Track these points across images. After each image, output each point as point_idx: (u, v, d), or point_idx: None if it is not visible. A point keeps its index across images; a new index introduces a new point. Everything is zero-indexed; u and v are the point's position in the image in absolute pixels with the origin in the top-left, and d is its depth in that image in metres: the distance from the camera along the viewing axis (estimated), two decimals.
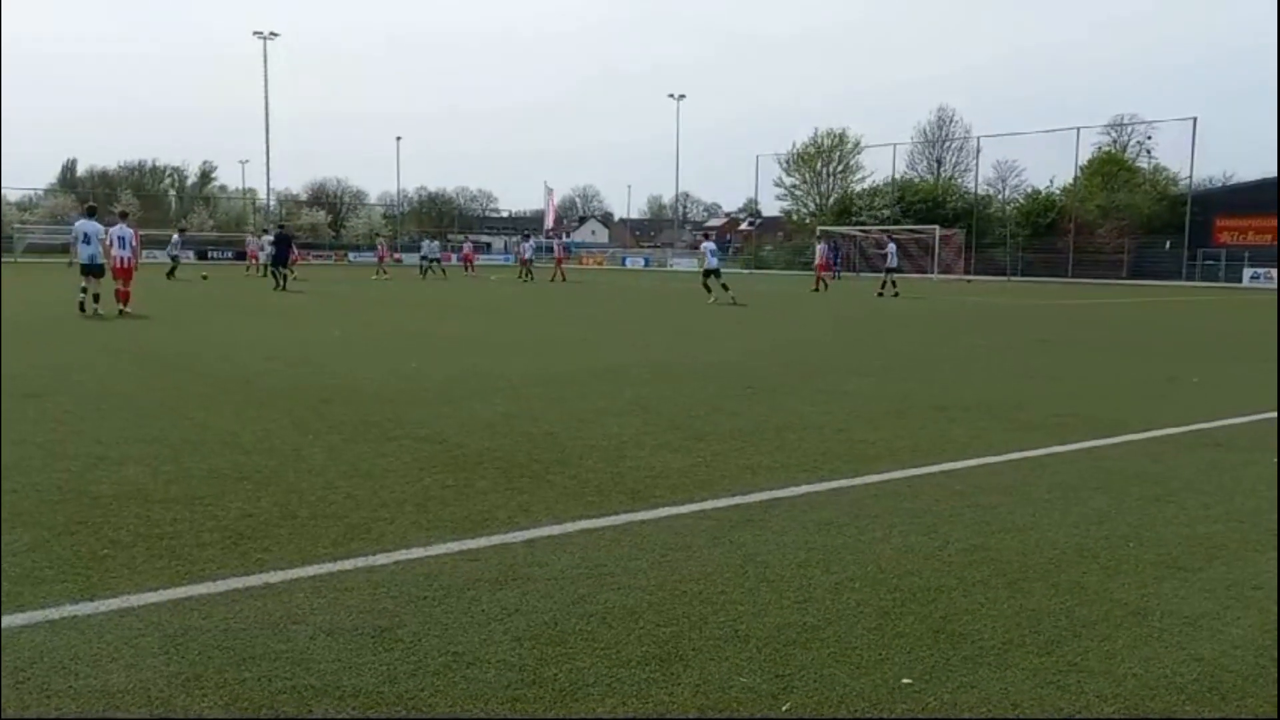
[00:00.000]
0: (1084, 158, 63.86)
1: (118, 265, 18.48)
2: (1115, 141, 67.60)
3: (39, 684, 3.02)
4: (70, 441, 6.48)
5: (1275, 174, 55.79)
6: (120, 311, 17.84)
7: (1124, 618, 3.72)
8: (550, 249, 42.05)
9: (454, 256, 49.62)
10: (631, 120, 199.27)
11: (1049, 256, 60.13)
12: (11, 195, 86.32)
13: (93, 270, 18.01)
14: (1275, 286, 47.13)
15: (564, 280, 38.90)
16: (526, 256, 40.41)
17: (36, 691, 2.97)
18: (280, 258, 29.63)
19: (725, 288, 26.34)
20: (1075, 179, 63.05)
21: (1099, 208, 60.22)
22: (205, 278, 35.47)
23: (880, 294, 31.46)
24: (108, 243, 18.43)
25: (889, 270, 32.94)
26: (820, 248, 37.16)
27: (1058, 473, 6.03)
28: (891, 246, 33.69)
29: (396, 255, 44.55)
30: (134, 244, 18.89)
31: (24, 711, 2.87)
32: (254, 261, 39.48)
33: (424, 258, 46.42)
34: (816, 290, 33.82)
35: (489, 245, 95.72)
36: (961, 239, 58.83)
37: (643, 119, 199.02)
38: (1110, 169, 62.73)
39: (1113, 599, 3.91)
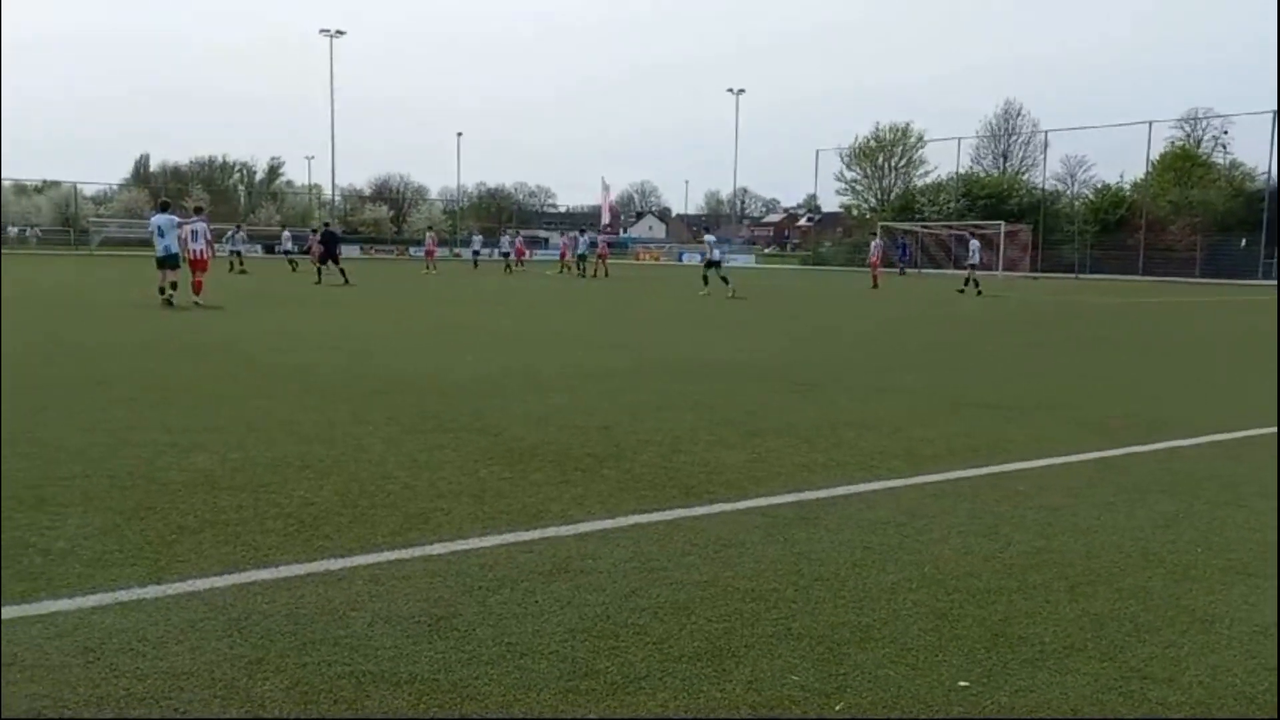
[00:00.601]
0: (1156, 152, 62.42)
1: (194, 258, 19.33)
2: (1189, 136, 65.89)
3: (108, 664, 3.12)
4: (139, 429, 6.65)
5: None
6: (195, 303, 18.42)
7: (1190, 624, 3.64)
8: (595, 244, 40.83)
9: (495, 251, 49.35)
10: (690, 114, 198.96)
11: (1118, 253, 58.77)
12: (87, 190, 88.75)
13: (167, 262, 18.74)
14: None
15: (606, 275, 38.37)
16: (579, 251, 39.33)
17: (106, 671, 3.07)
18: (330, 254, 30.20)
19: (725, 280, 26.40)
20: (1147, 174, 61.58)
21: (1171, 204, 58.73)
22: (244, 272, 35.32)
23: (962, 290, 30.50)
24: (183, 236, 19.24)
25: (972, 267, 31.90)
26: (875, 244, 36.47)
27: (1123, 475, 5.91)
28: (975, 243, 32.47)
29: (455, 251, 44.77)
30: (207, 237, 19.85)
31: (97, 694, 2.96)
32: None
33: (475, 252, 47.13)
34: (876, 287, 33.27)
35: (546, 240, 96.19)
36: (1028, 235, 57.77)
37: (702, 113, 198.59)
38: (1183, 164, 61.16)
39: (1179, 604, 3.83)
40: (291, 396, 8.19)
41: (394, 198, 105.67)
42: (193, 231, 19.45)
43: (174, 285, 18.56)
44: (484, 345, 12.74)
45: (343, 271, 29.28)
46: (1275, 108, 55.36)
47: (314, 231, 32.02)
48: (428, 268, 40.78)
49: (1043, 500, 5.28)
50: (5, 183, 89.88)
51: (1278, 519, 5.05)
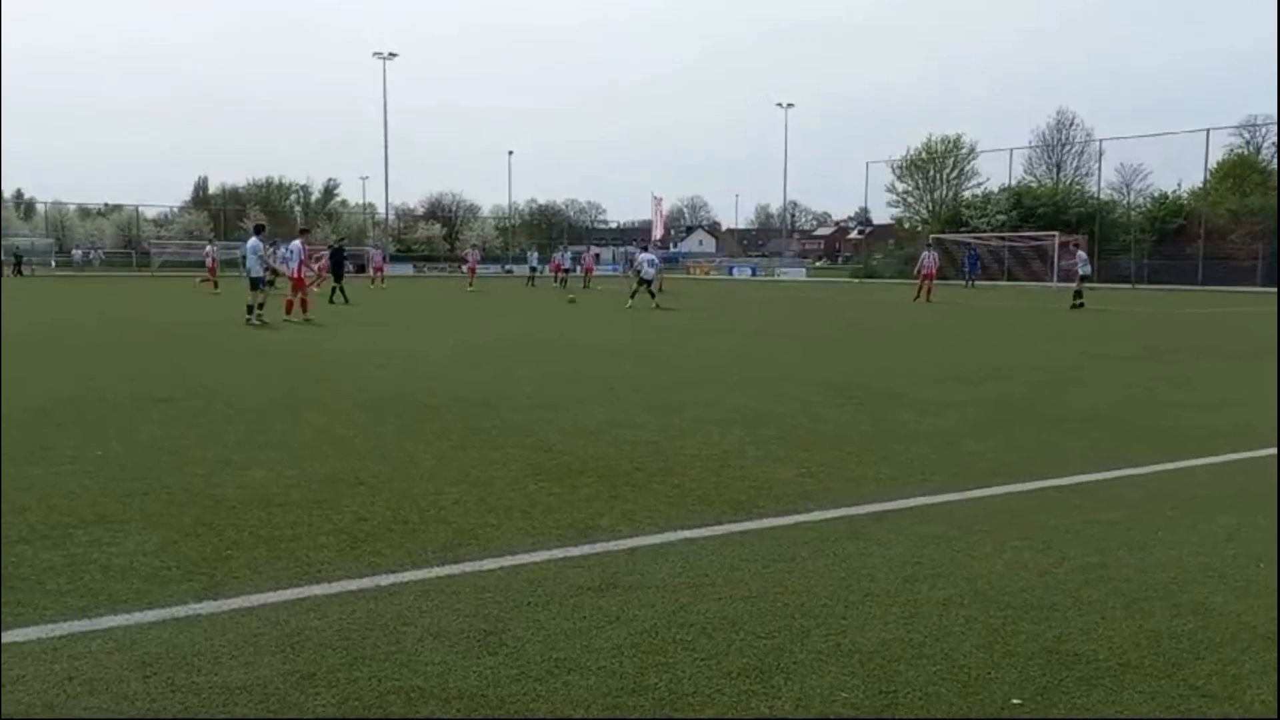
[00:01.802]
0: (1214, 160, 61.15)
1: (293, 276, 20.73)
2: (1248, 143, 64.53)
3: (165, 679, 3.17)
4: (198, 446, 6.78)
5: None
6: (284, 320, 19.49)
7: (1251, 641, 3.54)
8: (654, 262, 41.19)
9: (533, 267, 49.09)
10: (740, 130, 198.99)
11: (1176, 263, 57.55)
12: (149, 212, 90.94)
13: (252, 283, 19.82)
14: None
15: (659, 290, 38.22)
16: (640, 269, 38.47)
17: (163, 686, 3.12)
18: (336, 273, 29.77)
19: (652, 294, 27.33)
20: (1205, 182, 60.35)
21: (1230, 212, 57.48)
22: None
23: (1077, 304, 28.41)
24: (272, 258, 21.14)
25: (1083, 279, 30.13)
26: (925, 256, 35.54)
27: (1183, 488, 5.78)
28: (1082, 254, 30.83)
29: (506, 268, 44.78)
30: (302, 257, 21.06)
31: (154, 708, 3.02)
32: (210, 276, 35.32)
33: (532, 269, 47.32)
34: (918, 299, 32.74)
35: (598, 256, 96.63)
36: (1084, 245, 56.86)
37: (750, 129, 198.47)
38: (1242, 171, 59.83)
39: (1240, 621, 3.73)
40: (345, 413, 8.30)
41: (446, 216, 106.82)
42: (289, 251, 21.14)
43: (260, 305, 19.35)
44: (530, 359, 12.81)
45: (342, 290, 28.66)
46: (1276, 112, 54.57)
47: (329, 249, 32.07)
48: (470, 285, 40.92)
49: (1098, 514, 5.18)
50: (70, 206, 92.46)
51: (1278, 527, 4.92)
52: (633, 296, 27.63)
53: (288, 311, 19.93)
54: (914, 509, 5.29)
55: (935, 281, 34.85)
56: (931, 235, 59.42)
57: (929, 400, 9.33)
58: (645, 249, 32.31)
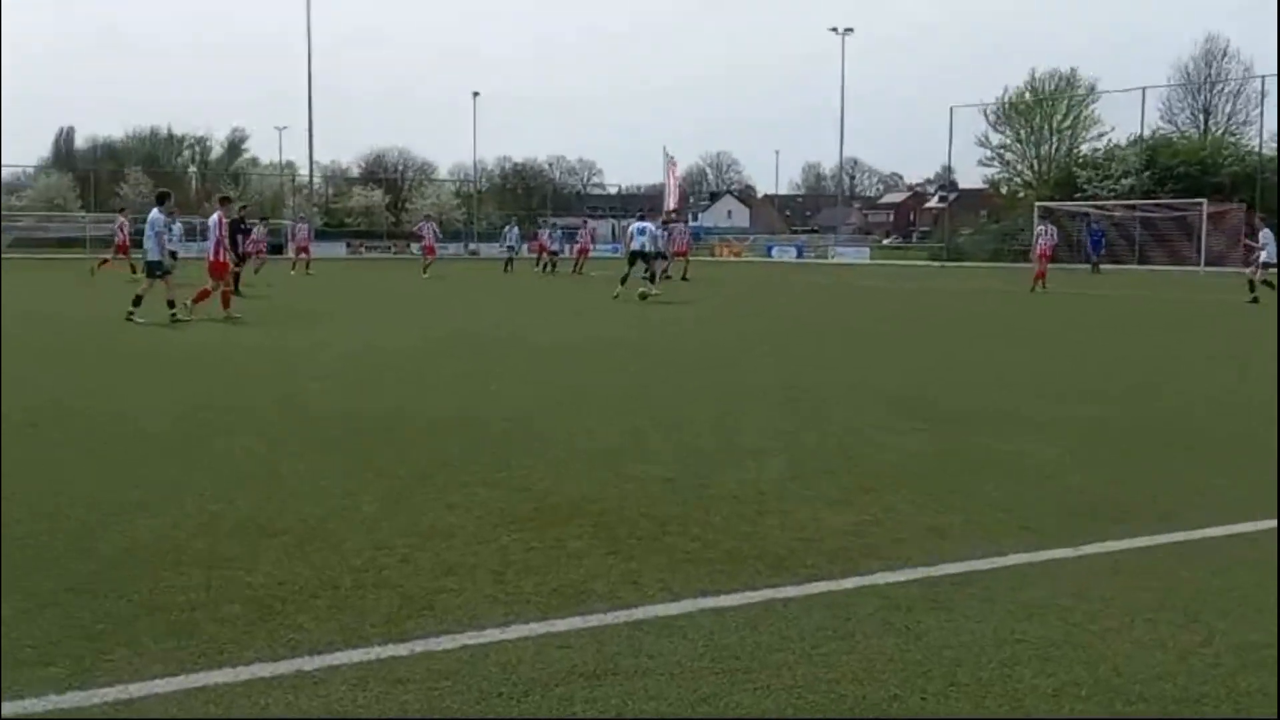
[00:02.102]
0: None
1: (211, 260, 20.53)
2: None
3: None
4: (69, 485, 6.80)
5: None
6: (189, 313, 19.42)
7: None
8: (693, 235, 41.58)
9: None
10: (781, 68, 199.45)
11: None
12: None
13: (148, 269, 20.02)
14: None
15: (684, 278, 38.45)
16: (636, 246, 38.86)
17: None
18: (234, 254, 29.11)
19: (651, 278, 27.16)
20: None
21: None
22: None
23: (1254, 299, 27.77)
24: (169, 236, 20.87)
25: (1264, 266, 29.28)
26: (1041, 230, 35.33)
27: None
28: (1267, 231, 30.44)
29: (471, 247, 44.08)
30: (219, 235, 20.64)
31: None
32: (122, 253, 35.88)
33: (510, 248, 47.08)
34: (1036, 288, 32.60)
35: (595, 232, 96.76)
36: (1239, 217, 56.70)
37: (795, 66, 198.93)
38: None
39: None
40: (267, 438, 8.34)
41: (390, 178, 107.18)
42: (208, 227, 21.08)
43: (171, 303, 19.38)
44: (511, 368, 12.84)
45: (235, 279, 28.14)
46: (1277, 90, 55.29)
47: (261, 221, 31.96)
48: (425, 270, 40.43)
49: (1259, 576, 5.17)
50: None
51: (1277, 543, 4.92)
52: (623, 282, 27.36)
53: (197, 300, 19.85)
54: (1011, 568, 5.29)
55: (1050, 264, 34.45)
56: (1038, 202, 59.37)
57: (1031, 421, 9.33)
58: (642, 217, 31.93)
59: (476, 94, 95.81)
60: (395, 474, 7.16)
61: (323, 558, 5.34)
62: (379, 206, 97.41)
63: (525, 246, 50.39)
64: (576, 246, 48.09)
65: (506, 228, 50.71)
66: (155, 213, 20.26)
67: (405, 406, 10.05)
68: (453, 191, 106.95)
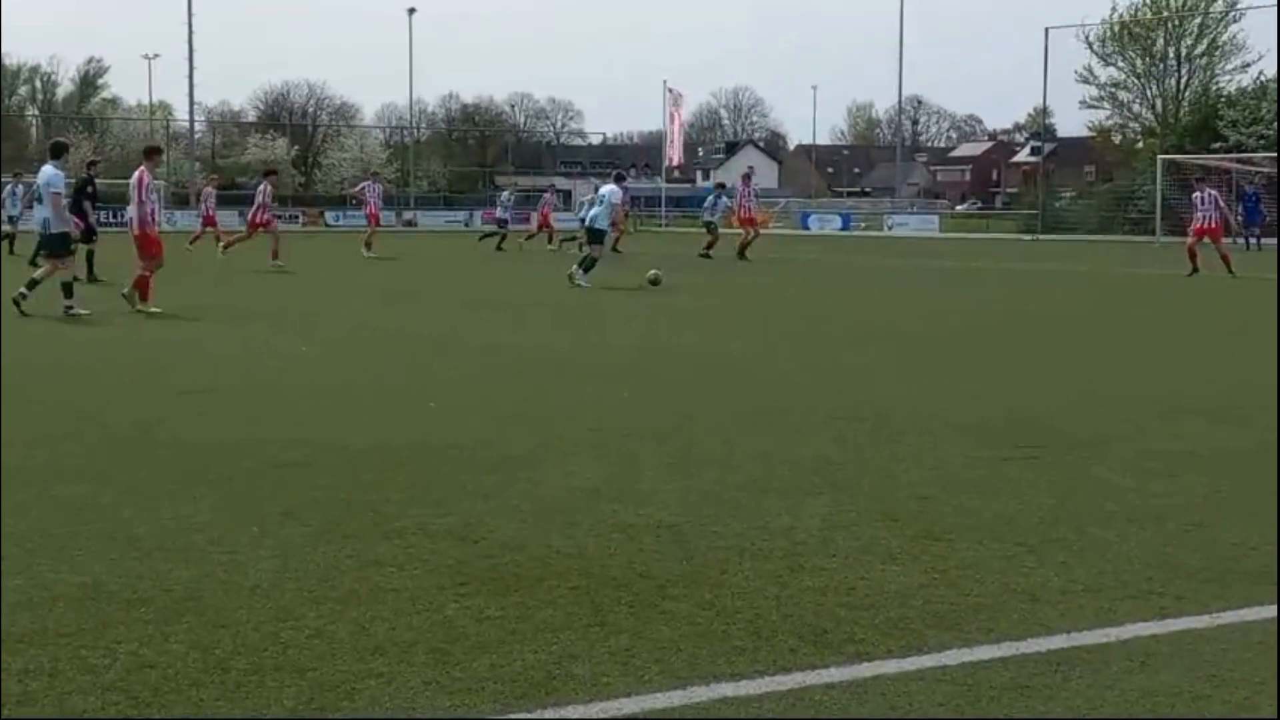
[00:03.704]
0: None
1: (137, 234, 20.34)
2: None
3: None
4: None
5: None
6: (137, 305, 19.71)
7: None
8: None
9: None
10: None
11: None
12: None
13: (46, 243, 20.24)
14: None
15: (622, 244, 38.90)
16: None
17: None
18: (85, 228, 28.17)
19: (586, 260, 27.16)
20: None
21: None
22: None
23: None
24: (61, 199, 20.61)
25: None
26: (1203, 195, 34.00)
27: None
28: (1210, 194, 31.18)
29: (407, 217, 43.56)
30: (140, 196, 20.33)
31: None
32: (209, 226, 40.34)
33: (501, 222, 47.14)
34: (1195, 272, 31.98)
35: (566, 195, 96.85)
36: None
37: None
38: None
39: None
40: (125, 475, 8.31)
41: (298, 125, 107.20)
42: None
43: (70, 283, 19.49)
44: (460, 377, 12.81)
45: (90, 258, 27.60)
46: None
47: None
48: (367, 245, 40.36)
49: None
50: None
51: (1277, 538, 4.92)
52: (581, 266, 27.21)
53: (140, 287, 19.99)
54: (1130, 643, 5.27)
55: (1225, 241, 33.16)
56: (1161, 155, 59.25)
57: (1155, 452, 9.33)
58: (622, 178, 31.94)
59: (413, 11, 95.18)
60: (302, 521, 7.13)
61: (204, 634, 5.30)
62: (283, 161, 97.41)
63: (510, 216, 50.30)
64: (538, 214, 48.18)
65: (506, 194, 50.74)
66: (50, 169, 20.18)
67: (317, 430, 10.04)
68: (381, 142, 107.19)
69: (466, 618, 5.51)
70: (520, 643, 5.22)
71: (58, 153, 21.22)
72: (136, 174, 20.70)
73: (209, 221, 43.49)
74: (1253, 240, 49.79)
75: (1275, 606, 5.74)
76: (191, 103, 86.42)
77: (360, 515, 7.24)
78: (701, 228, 44.13)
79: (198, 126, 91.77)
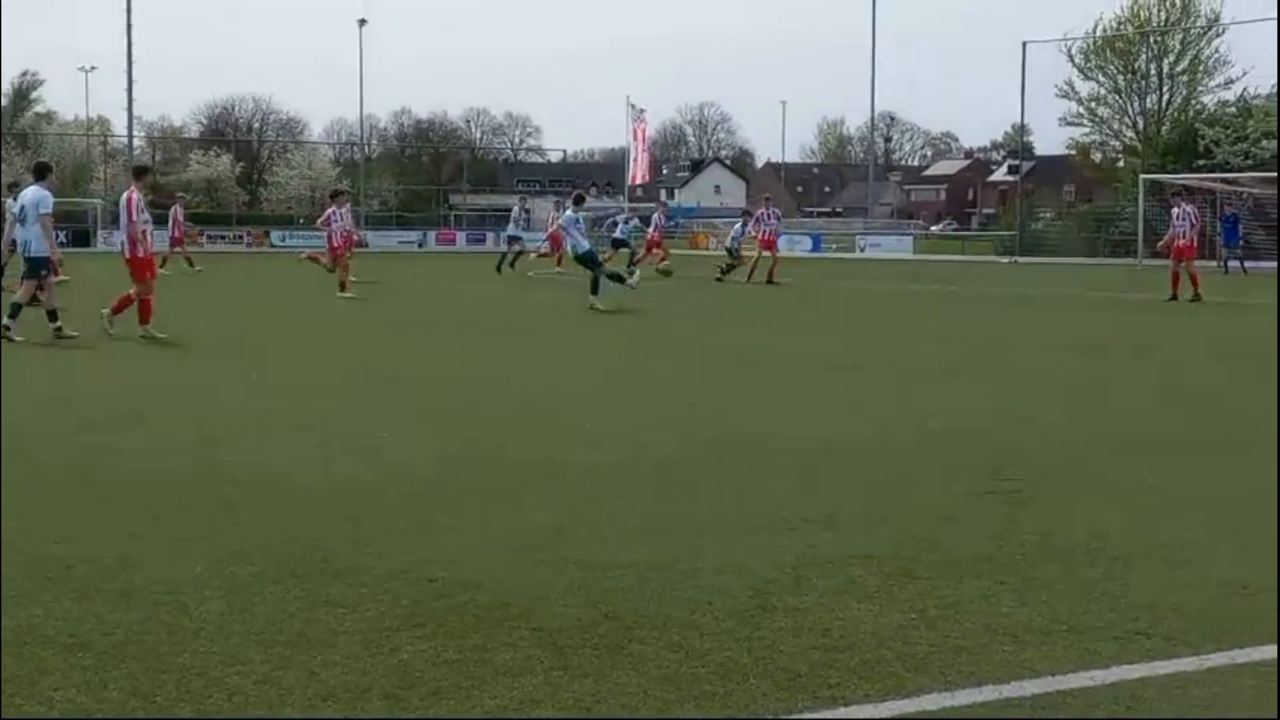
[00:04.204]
0: None
1: (129, 257, 20.43)
2: None
3: None
4: None
5: None
6: (109, 324, 19.91)
7: None
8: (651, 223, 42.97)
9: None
10: None
11: None
12: None
13: (31, 266, 20.28)
14: None
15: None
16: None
17: None
18: None
19: (601, 281, 27.30)
20: None
21: None
22: None
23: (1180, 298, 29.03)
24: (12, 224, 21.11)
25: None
26: (1181, 211, 33.97)
27: None
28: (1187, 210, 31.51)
29: (358, 236, 42.47)
30: (131, 218, 20.51)
31: None
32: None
33: (513, 238, 46.59)
34: (1175, 298, 32.04)
35: (528, 214, 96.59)
36: None
37: None
38: None
39: None
40: (56, 511, 8.27)
41: (242, 141, 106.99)
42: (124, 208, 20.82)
43: (53, 313, 19.63)
44: (414, 409, 12.78)
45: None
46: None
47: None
48: (331, 268, 39.29)
49: None
50: None
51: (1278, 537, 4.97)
52: (593, 290, 27.38)
53: (115, 311, 20.03)
54: (1117, 687, 5.29)
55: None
56: (1144, 175, 59.55)
57: (1142, 486, 9.37)
58: (581, 199, 31.89)
59: (363, 22, 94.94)
60: (248, 561, 7.09)
61: (145, 680, 5.27)
62: (226, 179, 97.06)
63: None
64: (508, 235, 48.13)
65: (516, 209, 50.32)
66: (37, 190, 20.40)
67: (264, 464, 10.02)
68: (331, 159, 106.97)
69: (423, 661, 5.50)
70: (479, 688, 5.21)
71: (42, 174, 21.19)
72: (125, 194, 21.08)
73: (177, 241, 43.53)
74: (1233, 263, 50.01)
75: (1270, 648, 5.77)
76: (131, 118, 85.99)
77: (310, 554, 7.21)
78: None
79: (137, 142, 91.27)
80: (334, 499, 8.69)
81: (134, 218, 20.38)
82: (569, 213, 29.59)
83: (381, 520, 8.05)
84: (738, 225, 45.72)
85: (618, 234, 45.00)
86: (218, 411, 12.76)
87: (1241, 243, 51.77)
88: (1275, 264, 51.70)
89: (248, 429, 11.70)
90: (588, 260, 28.01)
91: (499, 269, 43.40)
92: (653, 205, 59.04)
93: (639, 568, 6.96)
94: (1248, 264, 50.49)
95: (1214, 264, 50.08)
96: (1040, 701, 5.12)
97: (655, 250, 45.00)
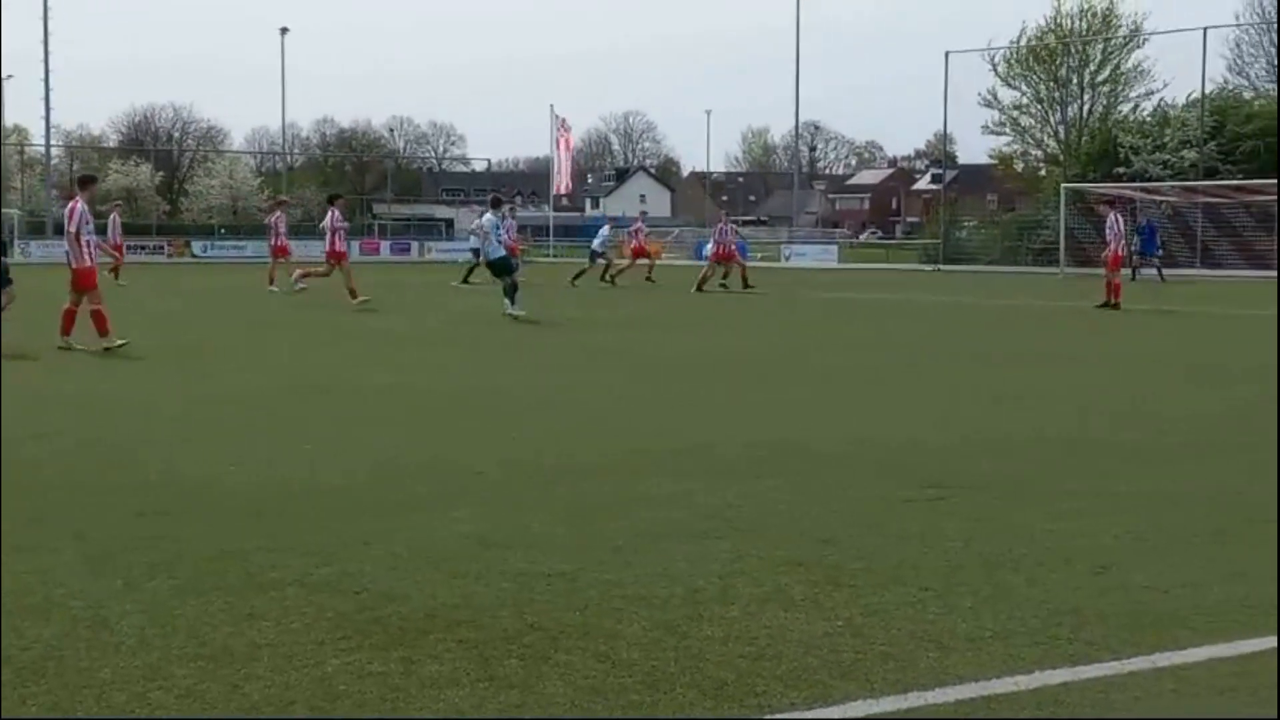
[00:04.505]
0: None
1: (77, 266, 20.22)
2: None
3: None
4: None
5: None
6: (60, 343, 19.65)
7: None
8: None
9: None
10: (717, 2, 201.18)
11: None
12: None
13: None
14: None
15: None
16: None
17: None
18: None
19: (509, 293, 27.06)
20: None
21: None
22: None
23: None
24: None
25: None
26: (1112, 220, 34.23)
27: None
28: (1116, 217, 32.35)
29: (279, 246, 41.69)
30: (74, 227, 20.28)
31: None
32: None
33: (597, 254, 46.46)
34: (1108, 304, 32.31)
35: (448, 224, 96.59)
36: None
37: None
38: None
39: None
40: None
41: (163, 151, 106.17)
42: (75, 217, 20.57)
43: None
44: (341, 419, 12.72)
45: None
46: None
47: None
48: (273, 282, 38.74)
49: None
50: None
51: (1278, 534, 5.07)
52: (507, 296, 27.22)
53: (66, 330, 19.91)
54: (1040, 692, 5.32)
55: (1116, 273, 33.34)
56: (1065, 184, 60.03)
57: (1065, 492, 9.42)
58: (499, 202, 31.72)
59: (285, 30, 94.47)
60: (170, 574, 7.04)
61: (64, 696, 5.23)
62: (146, 188, 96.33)
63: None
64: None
65: (604, 227, 50.22)
66: None
67: (185, 476, 9.94)
68: (252, 168, 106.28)
69: (347, 674, 5.47)
70: (405, 700, 5.19)
71: None
72: (70, 205, 20.94)
73: (118, 248, 43.06)
74: (1148, 271, 50.58)
75: (1191, 653, 5.82)
76: (48, 126, 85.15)
77: (233, 566, 7.16)
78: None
79: (55, 151, 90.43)
80: (258, 511, 8.63)
81: (75, 229, 20.21)
82: (489, 216, 29.45)
83: (306, 532, 8.00)
84: (605, 229, 48.29)
85: (595, 245, 46.26)
86: (140, 422, 12.65)
87: (1160, 251, 52.33)
88: (1190, 270, 52.41)
89: (171, 440, 11.59)
90: (501, 268, 27.85)
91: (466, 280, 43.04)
92: (575, 215, 59.40)
93: (566, 578, 6.96)
94: (1165, 272, 51.06)
95: (1136, 273, 50.74)
96: (965, 707, 5.15)
97: (636, 260, 46.50)
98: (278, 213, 43.04)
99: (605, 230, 49.05)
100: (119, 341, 19.43)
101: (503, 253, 28.37)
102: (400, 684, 5.36)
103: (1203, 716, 5.01)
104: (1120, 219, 34.22)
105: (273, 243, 41.81)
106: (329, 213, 33.99)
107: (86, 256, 20.18)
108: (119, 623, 6.16)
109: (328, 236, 32.95)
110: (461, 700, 5.18)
